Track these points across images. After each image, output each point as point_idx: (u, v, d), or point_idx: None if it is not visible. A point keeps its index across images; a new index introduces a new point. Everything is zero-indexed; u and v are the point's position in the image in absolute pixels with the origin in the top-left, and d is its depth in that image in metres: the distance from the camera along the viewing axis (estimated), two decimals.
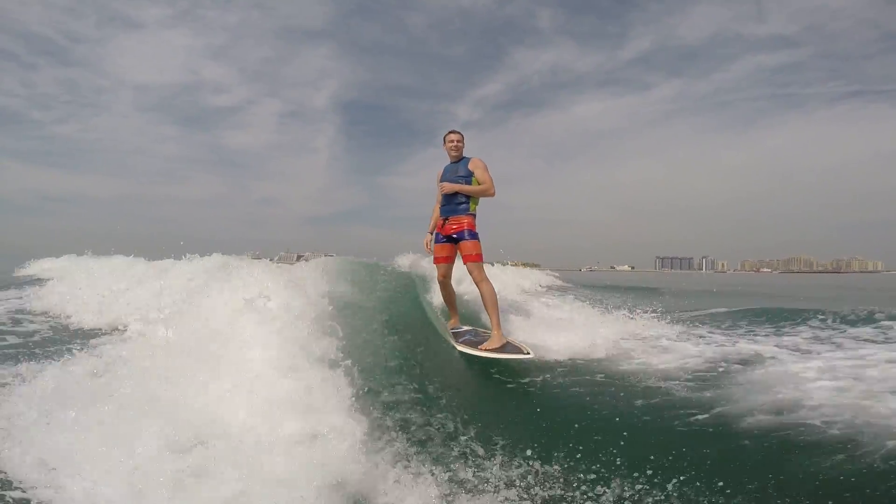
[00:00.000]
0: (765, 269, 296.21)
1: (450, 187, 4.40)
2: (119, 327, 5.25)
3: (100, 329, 6.12)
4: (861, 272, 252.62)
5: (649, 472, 2.34)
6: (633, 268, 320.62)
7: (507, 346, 4.02)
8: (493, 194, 4.43)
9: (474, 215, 4.45)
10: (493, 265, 13.46)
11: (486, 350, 3.98)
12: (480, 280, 4.27)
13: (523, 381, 3.66)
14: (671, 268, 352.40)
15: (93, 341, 4.70)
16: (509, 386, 3.62)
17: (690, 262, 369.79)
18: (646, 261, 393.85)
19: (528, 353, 3.87)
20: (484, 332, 4.53)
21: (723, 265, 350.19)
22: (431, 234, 4.67)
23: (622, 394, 3.27)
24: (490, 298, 4.23)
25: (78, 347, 3.86)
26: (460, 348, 4.18)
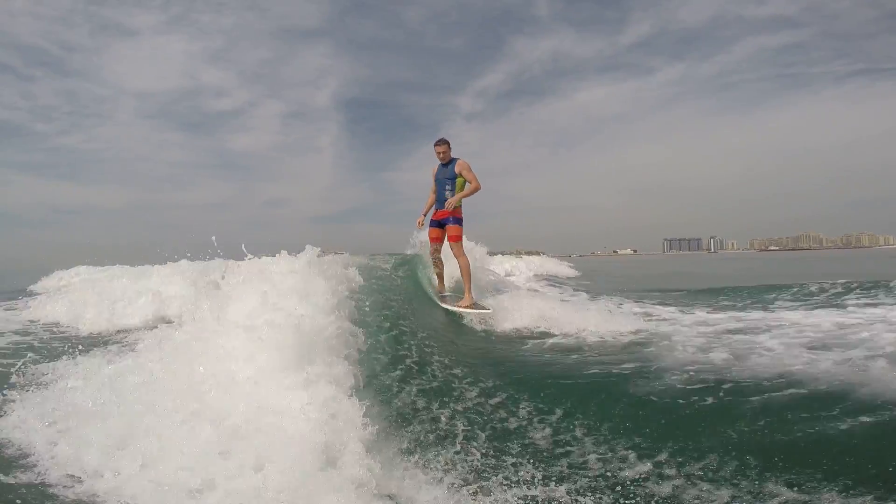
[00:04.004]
0: (773, 248, 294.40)
1: (453, 203, 5.52)
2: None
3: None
4: (871, 247, 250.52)
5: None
6: (635, 251, 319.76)
7: (473, 305, 5.54)
8: (480, 188, 5.61)
9: (459, 207, 5.72)
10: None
11: (458, 306, 5.52)
12: (458, 255, 5.71)
13: (488, 335, 5.16)
14: (679, 249, 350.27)
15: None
16: (476, 336, 5.11)
17: (699, 242, 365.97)
18: (653, 243, 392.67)
19: (489, 310, 5.37)
20: (460, 297, 5.98)
21: (731, 245, 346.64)
22: (424, 215, 6.02)
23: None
24: (465, 270, 5.69)
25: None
26: (442, 305, 5.72)
